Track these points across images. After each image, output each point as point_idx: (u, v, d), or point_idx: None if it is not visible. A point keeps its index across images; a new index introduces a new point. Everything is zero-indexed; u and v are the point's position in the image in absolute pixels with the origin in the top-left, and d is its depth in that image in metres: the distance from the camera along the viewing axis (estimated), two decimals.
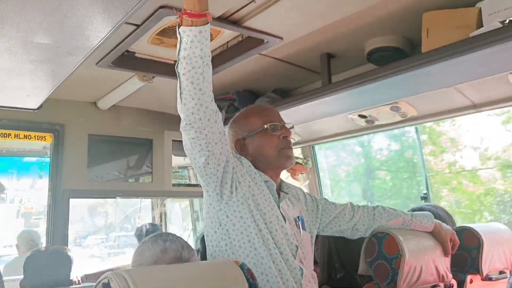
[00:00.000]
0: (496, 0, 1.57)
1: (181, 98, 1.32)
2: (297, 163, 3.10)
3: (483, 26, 1.59)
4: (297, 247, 1.58)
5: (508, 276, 1.98)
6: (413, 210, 2.06)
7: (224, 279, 1.03)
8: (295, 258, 1.55)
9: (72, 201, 2.81)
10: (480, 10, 1.62)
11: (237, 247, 1.50)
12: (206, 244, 1.59)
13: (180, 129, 1.39)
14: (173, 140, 3.22)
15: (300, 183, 3.13)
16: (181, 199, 4.39)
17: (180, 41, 1.27)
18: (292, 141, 2.98)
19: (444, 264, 1.78)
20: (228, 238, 1.52)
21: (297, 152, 3.23)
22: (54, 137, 2.84)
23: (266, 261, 1.49)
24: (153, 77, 2.52)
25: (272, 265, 1.49)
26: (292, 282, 1.51)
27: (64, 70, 1.80)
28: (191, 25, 1.24)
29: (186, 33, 1.25)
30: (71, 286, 1.46)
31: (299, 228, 1.64)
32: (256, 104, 1.85)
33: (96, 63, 2.25)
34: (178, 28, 1.27)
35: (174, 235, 1.38)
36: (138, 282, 0.91)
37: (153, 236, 1.35)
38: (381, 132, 2.64)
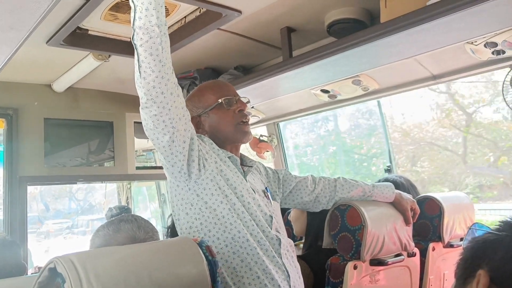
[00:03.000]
0: None
1: (140, 72, 1.25)
2: (262, 141, 3.08)
3: None
4: (271, 217, 1.56)
5: None
6: (379, 181, 2.08)
7: (181, 257, 0.99)
8: (271, 229, 1.53)
9: None
10: None
11: (212, 224, 1.47)
12: (177, 227, 1.54)
13: (140, 108, 1.32)
14: (135, 122, 3.14)
15: (266, 161, 3.12)
16: (148, 182, 4.32)
17: (134, 9, 1.20)
18: (256, 119, 2.99)
19: (406, 233, 1.81)
20: (202, 217, 1.47)
21: (262, 130, 3.20)
22: (7, 122, 2.70)
23: (243, 235, 1.46)
24: (109, 56, 2.42)
25: (250, 237, 1.46)
26: (272, 252, 1.48)
27: (8, 47, 1.68)
28: None
29: (140, 1, 1.18)
30: (24, 276, 1.39)
31: (269, 199, 1.63)
32: (209, 81, 1.80)
33: (47, 42, 2.14)
34: None
35: (136, 216, 1.33)
36: (88, 266, 0.86)
37: (116, 217, 1.30)
38: (344, 106, 2.64)
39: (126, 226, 1.20)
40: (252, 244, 1.46)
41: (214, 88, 1.68)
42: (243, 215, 1.48)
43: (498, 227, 0.70)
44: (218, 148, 1.59)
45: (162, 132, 1.33)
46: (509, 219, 0.70)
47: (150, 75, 1.24)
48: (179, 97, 1.33)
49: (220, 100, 1.62)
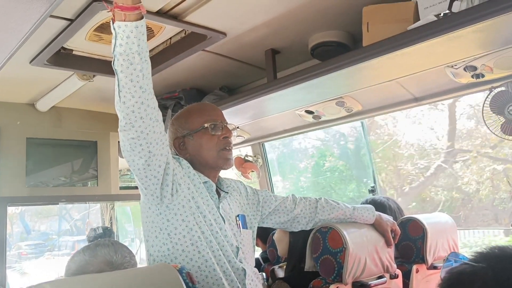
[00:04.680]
0: None
1: (119, 96, 1.25)
2: (247, 161, 3.08)
3: (420, 20, 1.61)
4: (237, 248, 1.56)
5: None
6: (367, 201, 2.09)
7: (160, 285, 0.97)
8: (237, 259, 1.53)
9: None
10: (416, 4, 1.64)
11: (179, 251, 1.46)
12: (147, 249, 1.53)
13: (119, 130, 1.32)
14: (119, 142, 3.10)
15: (251, 181, 3.11)
16: (131, 202, 4.26)
17: (115, 36, 1.20)
18: (241, 139, 2.99)
19: (387, 254, 1.81)
20: (170, 243, 1.47)
21: (247, 150, 3.20)
22: None
23: (210, 264, 1.46)
24: (94, 76, 2.42)
25: (217, 267, 1.46)
26: (237, 283, 1.49)
27: None
28: (125, 19, 1.17)
29: (121, 29, 1.18)
30: None
31: (239, 228, 1.63)
32: (199, 103, 1.80)
33: (30, 61, 2.13)
34: (113, 24, 1.20)
35: (113, 240, 1.32)
36: None
37: (92, 242, 1.28)
38: (328, 127, 2.66)
39: (102, 250, 1.18)
40: (218, 274, 1.46)
41: (202, 111, 1.67)
42: (211, 244, 1.48)
43: (474, 257, 0.69)
44: (194, 172, 1.58)
45: (138, 155, 1.33)
46: (484, 250, 0.70)
47: (130, 100, 1.24)
48: (158, 122, 1.33)
49: (206, 125, 1.62)
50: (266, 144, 3.18)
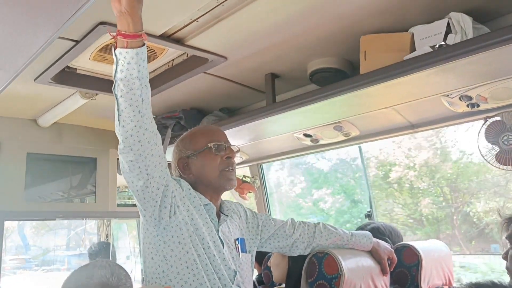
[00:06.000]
0: (426, 26, 1.65)
1: (119, 120, 1.28)
2: (245, 182, 3.10)
3: (415, 50, 1.66)
4: (235, 272, 1.56)
5: None
6: (372, 228, 2.08)
7: None
8: (233, 284, 1.53)
9: None
10: (412, 35, 1.69)
11: (174, 273, 1.47)
12: (144, 270, 1.54)
13: (118, 152, 1.35)
14: (118, 159, 3.12)
15: (249, 202, 3.12)
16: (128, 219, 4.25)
17: (117, 62, 1.23)
18: (240, 159, 3.02)
19: (383, 282, 1.81)
20: (165, 265, 1.48)
21: (245, 170, 3.23)
22: None
23: (204, 287, 1.46)
24: (96, 94, 2.45)
25: None
26: None
27: None
28: (126, 46, 1.21)
29: (122, 55, 1.22)
30: None
31: (238, 251, 1.63)
32: (204, 125, 1.83)
33: (35, 79, 2.17)
34: (114, 50, 1.24)
35: (110, 261, 1.33)
36: None
37: (89, 262, 1.30)
38: (326, 150, 2.68)
39: (99, 272, 1.20)
40: None
41: (206, 132, 1.71)
42: (206, 267, 1.49)
43: None
44: (195, 194, 1.60)
45: (137, 177, 1.36)
46: (463, 286, 0.71)
47: (129, 124, 1.27)
48: (157, 145, 1.36)
49: (209, 145, 1.65)
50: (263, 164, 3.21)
